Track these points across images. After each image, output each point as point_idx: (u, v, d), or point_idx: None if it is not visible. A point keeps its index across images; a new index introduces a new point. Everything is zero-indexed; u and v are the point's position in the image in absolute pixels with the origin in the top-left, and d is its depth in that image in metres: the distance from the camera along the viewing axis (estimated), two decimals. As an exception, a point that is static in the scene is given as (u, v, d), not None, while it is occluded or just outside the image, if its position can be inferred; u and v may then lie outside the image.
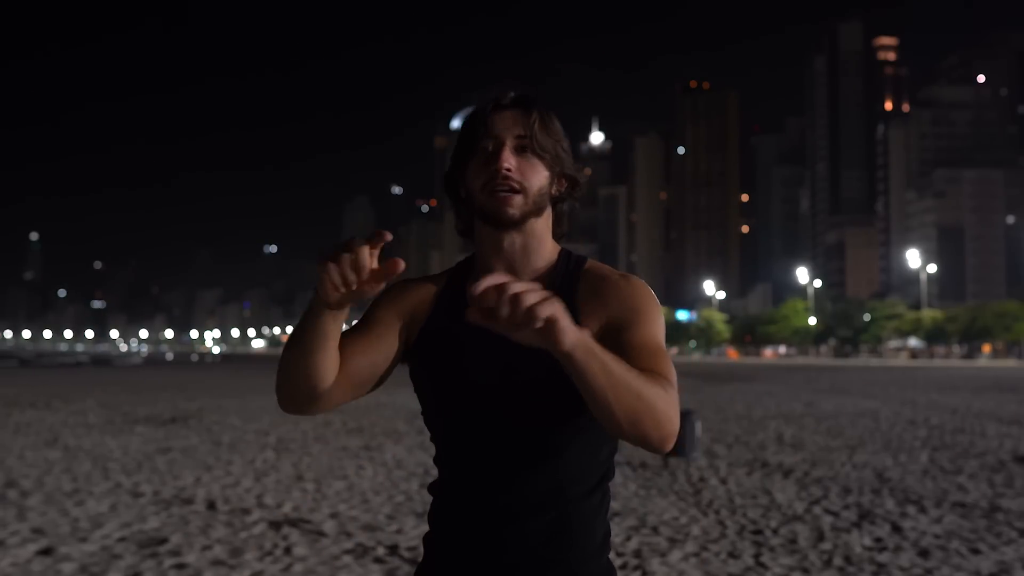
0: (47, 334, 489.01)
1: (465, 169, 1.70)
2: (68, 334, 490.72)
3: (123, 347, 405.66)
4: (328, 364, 1.61)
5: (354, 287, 1.46)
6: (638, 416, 1.42)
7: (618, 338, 1.59)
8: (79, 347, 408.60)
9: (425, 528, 6.94)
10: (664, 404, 1.45)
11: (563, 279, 1.70)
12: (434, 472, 10.51)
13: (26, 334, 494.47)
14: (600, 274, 1.71)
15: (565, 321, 1.31)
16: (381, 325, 1.72)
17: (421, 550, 6.15)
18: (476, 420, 1.65)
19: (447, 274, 1.79)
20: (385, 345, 1.71)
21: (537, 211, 1.68)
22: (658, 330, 1.64)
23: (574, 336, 1.33)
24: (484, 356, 1.64)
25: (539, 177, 1.67)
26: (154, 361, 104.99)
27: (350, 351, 1.67)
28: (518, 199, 1.64)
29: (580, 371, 1.37)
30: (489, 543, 1.63)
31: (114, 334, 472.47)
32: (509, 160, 1.64)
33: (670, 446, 1.47)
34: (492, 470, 1.64)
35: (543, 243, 1.71)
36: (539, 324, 1.29)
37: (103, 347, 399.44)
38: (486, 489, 1.64)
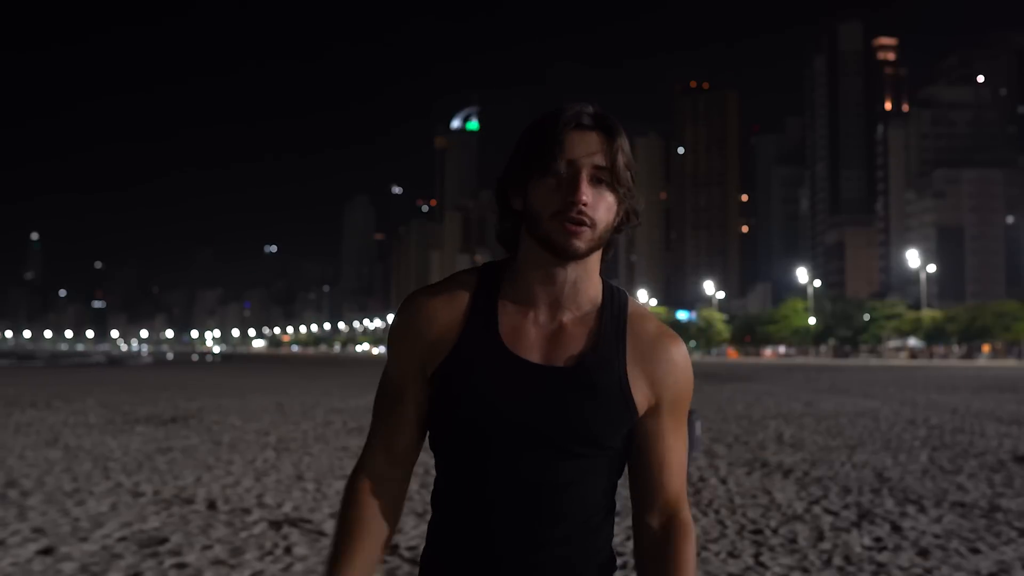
0: (47, 334, 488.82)
1: (527, 182, 1.56)
2: (68, 334, 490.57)
3: (123, 347, 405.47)
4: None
5: None
6: None
7: (656, 428, 1.63)
8: (79, 347, 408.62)
9: (425, 528, 6.95)
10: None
11: (611, 331, 1.61)
12: (434, 472, 10.51)
13: (26, 334, 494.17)
14: (646, 332, 1.63)
15: None
16: (409, 388, 1.63)
17: (422, 549, 6.19)
18: (486, 469, 1.56)
19: (473, 282, 1.64)
20: (415, 405, 1.63)
21: (600, 246, 1.58)
22: (685, 430, 1.68)
23: None
24: (513, 405, 1.55)
25: (609, 212, 1.56)
26: (161, 361, 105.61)
27: (405, 445, 1.64)
28: (587, 233, 1.53)
29: None
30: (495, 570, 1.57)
31: (114, 334, 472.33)
32: (588, 192, 1.52)
33: None
34: (497, 519, 1.56)
35: (592, 276, 1.61)
36: None
37: (103, 347, 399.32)
38: (490, 537, 1.57)
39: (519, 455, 1.55)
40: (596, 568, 1.62)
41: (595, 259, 1.60)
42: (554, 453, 1.55)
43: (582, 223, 1.52)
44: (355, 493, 1.64)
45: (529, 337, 1.58)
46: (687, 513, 1.64)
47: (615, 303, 1.63)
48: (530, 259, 1.59)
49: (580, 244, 1.53)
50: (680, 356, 1.64)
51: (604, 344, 1.58)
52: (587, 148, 1.53)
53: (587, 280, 1.60)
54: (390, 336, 1.65)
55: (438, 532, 1.63)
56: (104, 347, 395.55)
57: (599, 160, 1.53)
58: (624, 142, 1.57)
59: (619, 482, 1.64)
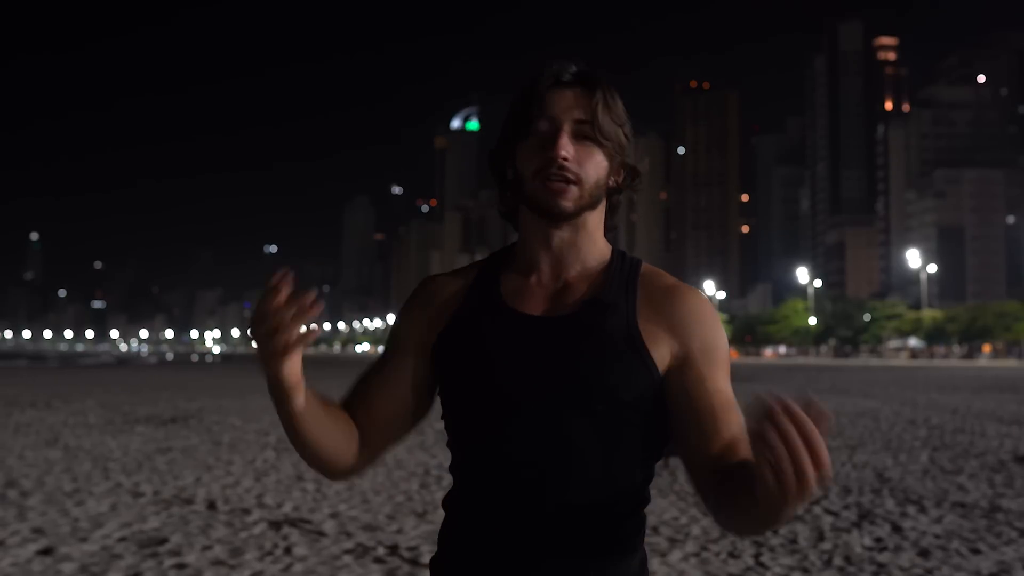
0: (47, 334, 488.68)
1: (515, 148, 1.50)
2: (68, 334, 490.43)
3: (123, 347, 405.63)
4: (331, 439, 1.48)
5: (280, 331, 1.32)
6: (776, 524, 1.29)
7: (691, 377, 1.46)
8: (79, 347, 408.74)
9: (425, 528, 6.92)
10: None
11: (619, 283, 1.51)
12: (435, 472, 10.54)
13: (26, 334, 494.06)
14: (661, 284, 1.52)
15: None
16: (401, 349, 1.56)
17: (428, 559, 6.16)
18: (503, 429, 1.45)
19: (479, 266, 1.60)
20: (411, 371, 1.55)
21: (592, 204, 1.50)
22: (728, 370, 1.52)
23: None
24: (519, 358, 1.47)
25: (598, 168, 1.48)
26: (162, 361, 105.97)
27: (368, 393, 1.54)
28: (573, 191, 1.46)
29: None
30: (513, 569, 1.44)
31: (114, 334, 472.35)
32: (567, 147, 1.44)
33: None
34: (519, 487, 1.44)
35: (594, 238, 1.53)
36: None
37: (103, 347, 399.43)
38: (510, 507, 1.44)
39: (529, 413, 1.44)
40: (623, 564, 1.47)
41: (594, 219, 1.53)
42: (565, 408, 1.43)
43: (565, 180, 1.45)
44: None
45: (532, 295, 1.52)
46: None
47: (625, 262, 1.55)
48: (527, 225, 1.53)
49: (566, 203, 1.46)
50: (701, 305, 1.51)
51: (608, 291, 1.49)
52: (567, 104, 1.47)
53: (588, 241, 1.52)
54: (400, 308, 1.62)
55: (447, 534, 1.53)
56: (104, 347, 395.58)
57: (579, 114, 1.46)
58: (609, 95, 1.49)
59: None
